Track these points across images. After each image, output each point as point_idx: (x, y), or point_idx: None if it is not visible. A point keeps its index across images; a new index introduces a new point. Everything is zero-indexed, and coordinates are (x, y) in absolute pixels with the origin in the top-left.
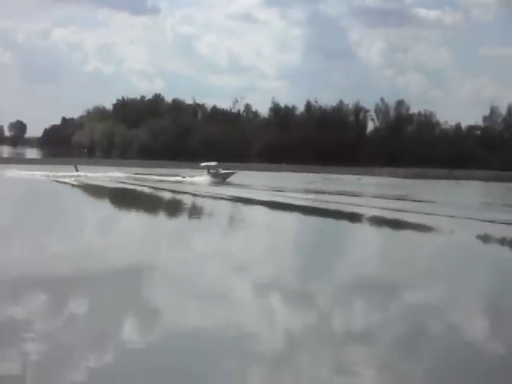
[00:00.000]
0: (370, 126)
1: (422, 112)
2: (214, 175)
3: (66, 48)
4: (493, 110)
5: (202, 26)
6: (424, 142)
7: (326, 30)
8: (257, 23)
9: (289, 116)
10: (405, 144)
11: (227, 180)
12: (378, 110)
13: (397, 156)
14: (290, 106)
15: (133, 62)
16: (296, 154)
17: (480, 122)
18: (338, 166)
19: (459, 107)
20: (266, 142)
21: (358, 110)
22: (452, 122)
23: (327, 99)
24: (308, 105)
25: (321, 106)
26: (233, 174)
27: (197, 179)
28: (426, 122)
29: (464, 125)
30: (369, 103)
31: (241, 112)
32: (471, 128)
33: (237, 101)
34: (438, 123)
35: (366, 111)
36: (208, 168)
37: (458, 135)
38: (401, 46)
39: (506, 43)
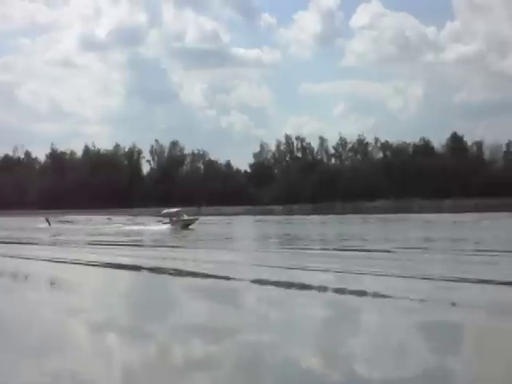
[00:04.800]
0: (147, 168)
1: (196, 152)
2: (173, 223)
3: None
4: (262, 147)
5: (22, 73)
6: (196, 180)
7: (146, 72)
8: (76, 68)
9: (63, 161)
10: (177, 183)
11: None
12: (153, 152)
13: (169, 195)
14: (68, 151)
15: None
16: (71, 199)
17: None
18: (113, 208)
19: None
20: (41, 189)
21: (131, 152)
22: (223, 161)
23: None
24: (86, 149)
25: (99, 150)
26: (196, 220)
27: (154, 228)
28: (199, 162)
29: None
30: (187, 145)
31: (21, 159)
32: (253, 165)
33: (17, 148)
34: (211, 162)
35: (140, 153)
36: (169, 215)
37: (229, 173)
38: (222, 86)
39: (323, 79)
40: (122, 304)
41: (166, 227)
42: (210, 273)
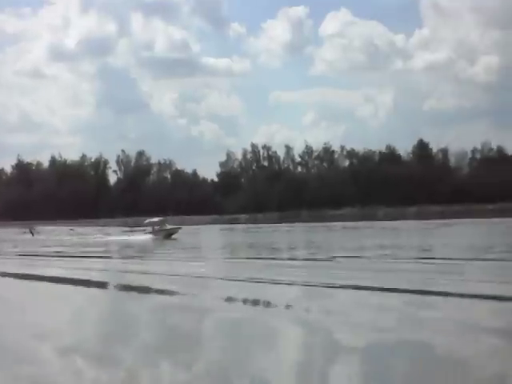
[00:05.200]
0: (114, 178)
1: (162, 161)
2: (155, 232)
3: None
4: (229, 156)
5: None
6: (162, 189)
7: (116, 82)
8: (46, 79)
9: (29, 172)
10: (144, 193)
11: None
12: (119, 162)
13: (136, 205)
14: (34, 162)
15: None
16: (38, 210)
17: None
18: (79, 219)
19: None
20: (7, 200)
21: (98, 162)
22: (190, 170)
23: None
24: (52, 159)
25: (66, 160)
26: (179, 229)
27: (135, 238)
28: (166, 171)
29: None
30: (157, 155)
31: None
32: (220, 174)
33: None
34: (178, 171)
35: (106, 163)
36: (152, 225)
37: (196, 182)
38: (192, 95)
39: (293, 87)
40: (73, 325)
41: (147, 237)
42: (177, 290)
